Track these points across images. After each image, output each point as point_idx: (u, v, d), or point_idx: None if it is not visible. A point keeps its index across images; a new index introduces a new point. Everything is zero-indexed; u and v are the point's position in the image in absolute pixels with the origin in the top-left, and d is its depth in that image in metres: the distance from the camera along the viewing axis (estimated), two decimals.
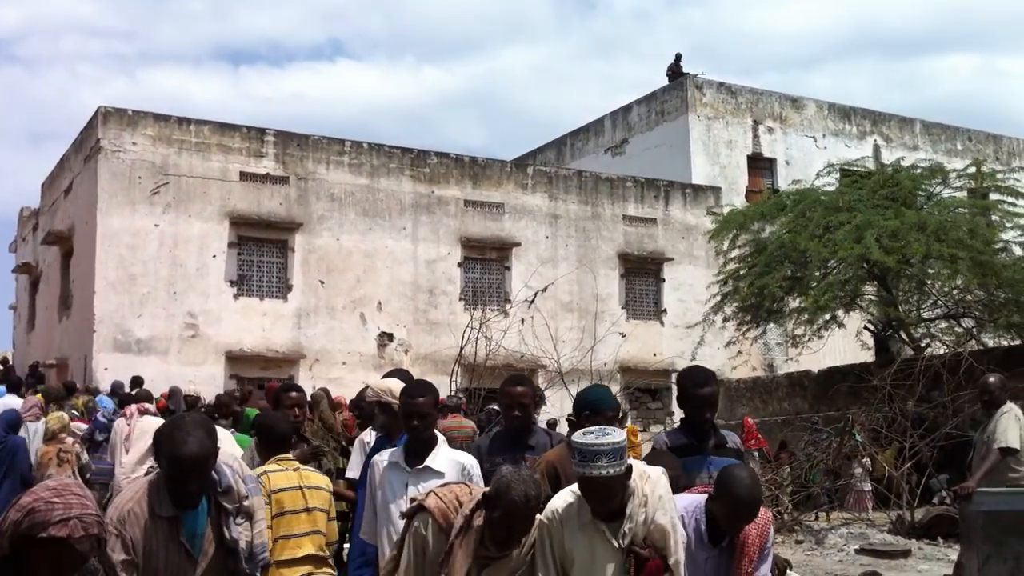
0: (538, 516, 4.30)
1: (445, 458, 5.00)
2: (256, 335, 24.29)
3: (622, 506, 4.15)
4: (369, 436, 6.18)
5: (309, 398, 18.33)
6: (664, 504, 4.23)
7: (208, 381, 21.08)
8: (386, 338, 25.66)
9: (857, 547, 14.41)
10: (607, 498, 4.09)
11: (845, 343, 26.51)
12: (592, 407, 5.05)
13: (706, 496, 4.55)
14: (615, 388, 18.09)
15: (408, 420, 4.95)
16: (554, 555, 4.21)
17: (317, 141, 25.81)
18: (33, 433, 12.70)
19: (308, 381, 21.70)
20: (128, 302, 23.25)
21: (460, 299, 26.40)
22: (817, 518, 17.21)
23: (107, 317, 23.07)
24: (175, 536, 3.80)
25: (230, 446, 8.04)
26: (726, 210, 27.03)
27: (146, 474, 4.10)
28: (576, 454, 4.07)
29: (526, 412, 5.44)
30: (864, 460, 17.76)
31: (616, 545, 4.13)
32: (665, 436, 5.34)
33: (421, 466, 4.92)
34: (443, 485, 4.45)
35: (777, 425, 25.03)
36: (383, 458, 5.01)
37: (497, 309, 24.22)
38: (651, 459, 4.78)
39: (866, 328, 25.52)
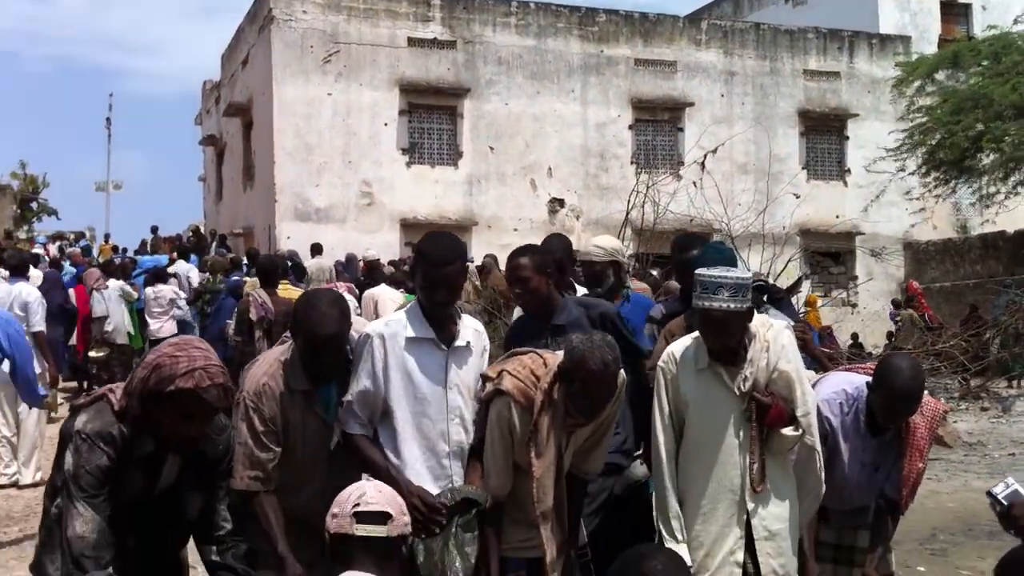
0: (659, 364, 4.16)
1: (471, 330, 4.10)
2: (428, 202, 24.56)
3: (742, 351, 4.00)
4: None
5: (481, 264, 18.67)
6: (788, 353, 4.05)
7: (384, 248, 21.48)
8: (557, 204, 25.50)
9: None
10: (724, 335, 3.95)
11: None
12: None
13: (866, 382, 4.30)
14: (791, 251, 17.36)
15: (434, 291, 3.90)
16: (670, 400, 4.10)
17: (483, 2, 25.38)
18: (107, 298, 13.78)
19: (480, 248, 21.86)
20: (306, 171, 23.83)
21: (631, 163, 25.83)
22: (1010, 384, 16.53)
23: (287, 186, 23.74)
24: (311, 408, 3.81)
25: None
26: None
27: None
28: (698, 286, 3.93)
29: (527, 288, 4.44)
30: None
31: (735, 391, 3.99)
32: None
33: (462, 344, 3.99)
34: (508, 357, 4.11)
35: (968, 289, 23.94)
36: (396, 330, 3.90)
37: (669, 172, 23.62)
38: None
39: None
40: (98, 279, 13.92)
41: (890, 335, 19.24)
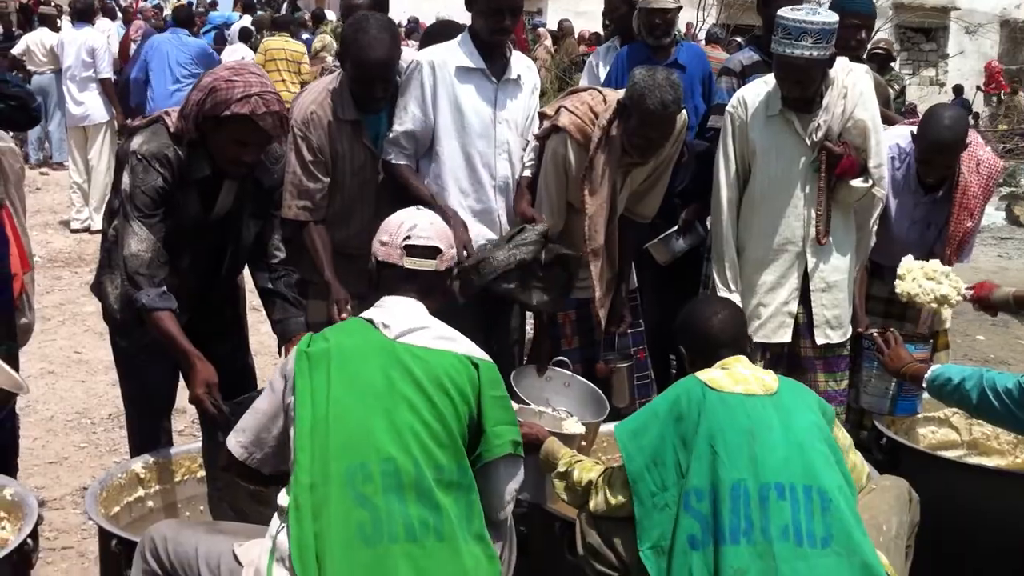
0: (728, 108, 4.00)
1: (523, 66, 3.93)
2: None
3: (818, 98, 3.81)
4: (596, 58, 5.50)
5: (557, 30, 18.14)
6: (865, 101, 3.85)
7: (460, 14, 20.82)
8: None
9: None
10: (803, 84, 3.75)
11: None
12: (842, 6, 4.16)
13: (911, 132, 4.09)
14: (880, 24, 16.56)
15: (500, 17, 3.69)
16: (736, 146, 3.96)
17: None
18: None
19: (555, 15, 21.24)
20: None
21: None
22: None
23: None
24: (359, 138, 3.75)
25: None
26: None
27: None
28: (779, 30, 3.67)
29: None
30: None
31: (807, 140, 3.84)
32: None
33: (513, 77, 3.84)
34: (568, 94, 3.96)
35: None
36: (446, 59, 3.75)
37: None
38: None
39: None
40: (139, 30, 13.13)
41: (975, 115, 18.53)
